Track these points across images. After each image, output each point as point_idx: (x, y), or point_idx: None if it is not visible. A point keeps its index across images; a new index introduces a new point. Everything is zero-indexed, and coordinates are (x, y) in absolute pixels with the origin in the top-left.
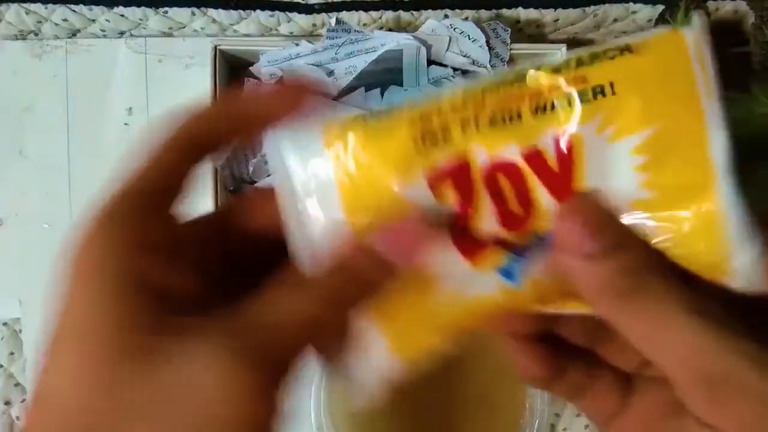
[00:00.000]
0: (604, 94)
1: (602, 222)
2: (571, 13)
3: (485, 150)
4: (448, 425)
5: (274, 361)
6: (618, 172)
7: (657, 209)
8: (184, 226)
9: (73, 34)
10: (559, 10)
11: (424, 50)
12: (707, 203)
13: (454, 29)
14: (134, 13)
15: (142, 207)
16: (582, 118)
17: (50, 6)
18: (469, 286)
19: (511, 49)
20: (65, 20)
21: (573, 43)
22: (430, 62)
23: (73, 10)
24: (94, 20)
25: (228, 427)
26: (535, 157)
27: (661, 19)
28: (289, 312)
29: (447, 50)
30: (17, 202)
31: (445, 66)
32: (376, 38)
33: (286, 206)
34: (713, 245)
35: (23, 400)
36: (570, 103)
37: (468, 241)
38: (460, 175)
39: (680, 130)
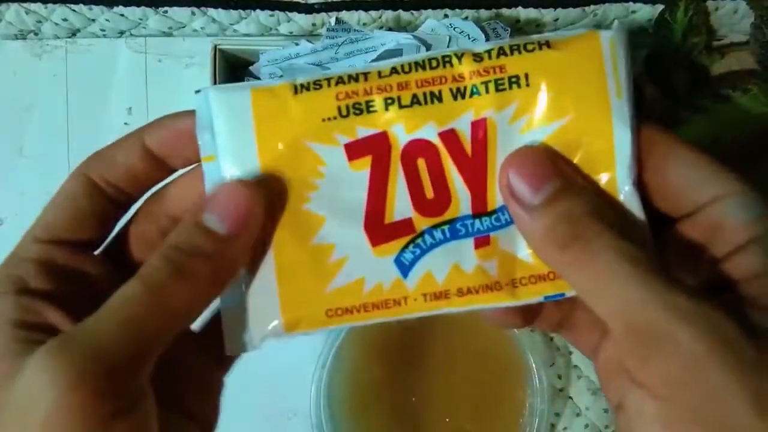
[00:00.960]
0: (519, 85)
1: (544, 172)
2: (571, 12)
3: (404, 127)
4: (449, 426)
5: (103, 372)
6: None
7: None
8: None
9: (73, 33)
10: (559, 10)
11: (423, 50)
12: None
13: (454, 29)
14: (134, 12)
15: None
16: (497, 105)
17: (50, 6)
18: (367, 271)
19: None
20: (65, 20)
21: None
22: None
23: (73, 10)
24: (93, 20)
25: None
26: (451, 139)
27: (661, 19)
28: (112, 318)
29: (446, 50)
30: (17, 202)
31: None
32: (375, 38)
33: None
34: None
35: None
36: (487, 90)
37: (376, 224)
38: (378, 149)
39: (588, 125)
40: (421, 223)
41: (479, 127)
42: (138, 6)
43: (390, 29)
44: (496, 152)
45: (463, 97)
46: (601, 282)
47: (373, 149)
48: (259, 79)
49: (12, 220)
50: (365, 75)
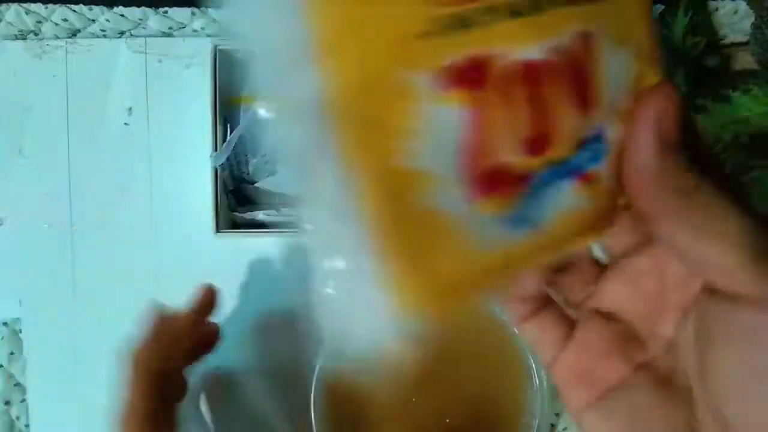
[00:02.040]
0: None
1: (675, 121)
2: None
3: (508, 47)
4: (448, 426)
5: None
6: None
7: None
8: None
9: (73, 34)
10: None
11: None
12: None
13: None
14: (134, 13)
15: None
16: (597, 17)
17: (50, 6)
18: (475, 232)
19: None
20: (65, 20)
21: None
22: None
23: (73, 10)
24: (94, 20)
25: None
26: (559, 58)
27: (662, 19)
28: None
29: None
30: (17, 202)
31: None
32: None
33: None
34: None
35: (23, 400)
36: None
37: (478, 173)
38: (476, 76)
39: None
40: (529, 164)
41: (585, 41)
42: (138, 6)
43: None
44: (603, 70)
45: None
46: (721, 220)
47: (470, 77)
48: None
49: (12, 219)
50: None
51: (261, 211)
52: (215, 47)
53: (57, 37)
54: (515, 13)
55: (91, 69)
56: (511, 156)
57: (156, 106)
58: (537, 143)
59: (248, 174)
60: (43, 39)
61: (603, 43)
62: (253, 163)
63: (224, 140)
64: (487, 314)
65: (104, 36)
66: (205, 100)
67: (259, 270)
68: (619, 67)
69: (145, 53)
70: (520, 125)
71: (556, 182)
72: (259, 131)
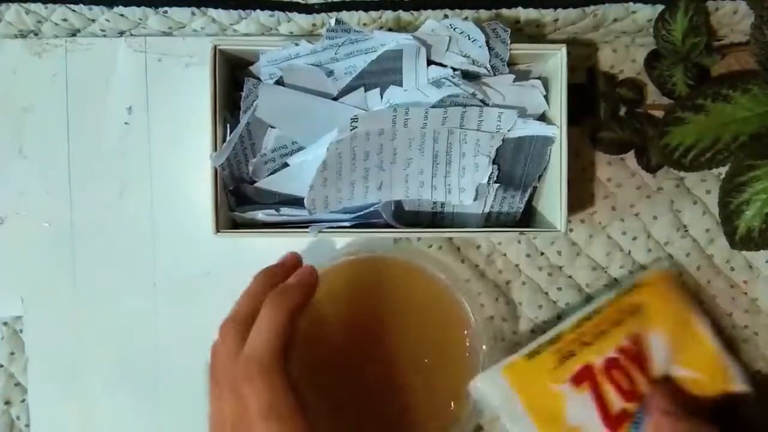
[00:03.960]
0: (640, 312)
1: (673, 395)
2: (571, 13)
3: (597, 355)
4: (399, 383)
5: None
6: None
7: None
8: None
9: (73, 34)
10: (559, 10)
11: (423, 50)
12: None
13: (454, 29)
14: (134, 12)
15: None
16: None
17: (50, 6)
18: None
19: (510, 49)
20: (65, 20)
21: (573, 42)
22: (430, 62)
23: (73, 10)
24: (93, 20)
25: None
26: (627, 351)
27: (662, 19)
28: None
29: (447, 50)
30: (17, 201)
31: (445, 66)
32: (375, 38)
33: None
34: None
35: (23, 400)
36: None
37: (607, 417)
38: (587, 374)
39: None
40: (631, 407)
41: (636, 342)
42: (138, 6)
43: (390, 29)
44: (651, 350)
45: (619, 325)
46: None
47: (586, 376)
48: (258, 79)
49: (12, 219)
50: (559, 336)
51: (261, 211)
52: (215, 47)
53: (57, 37)
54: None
55: (90, 68)
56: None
57: (156, 105)
58: (630, 395)
59: (248, 174)
60: (42, 38)
61: (649, 337)
62: (253, 162)
63: (224, 140)
64: (428, 278)
65: (104, 35)
66: (205, 100)
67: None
68: (663, 353)
69: (145, 52)
70: (620, 392)
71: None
72: (259, 131)
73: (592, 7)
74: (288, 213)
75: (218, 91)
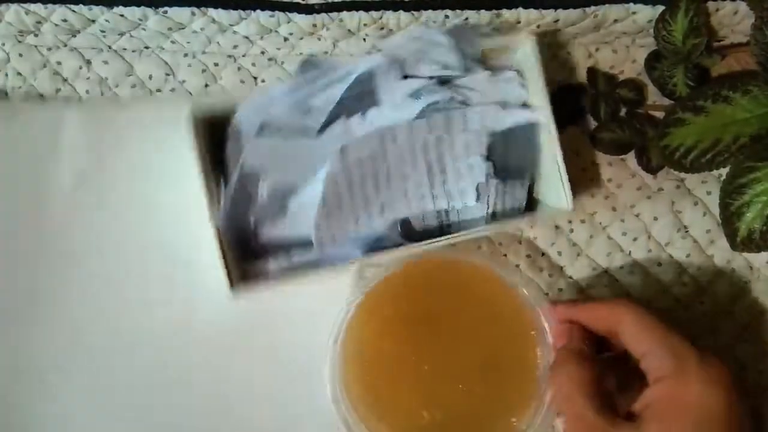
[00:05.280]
0: None
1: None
2: (572, 13)
3: None
4: (461, 391)
5: None
6: None
7: None
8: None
9: (73, 35)
10: (560, 11)
11: (396, 65)
12: None
13: (421, 39)
14: (133, 12)
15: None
16: None
17: (50, 6)
18: None
19: (481, 47)
20: (65, 20)
21: (572, 43)
22: (406, 76)
23: (73, 10)
24: (93, 20)
25: None
26: None
27: (662, 20)
28: None
29: (419, 61)
30: None
31: (420, 77)
32: (346, 65)
33: None
34: None
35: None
36: None
37: None
38: None
39: None
40: None
41: None
42: (138, 6)
43: (390, 30)
44: None
45: None
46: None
47: None
48: (241, 134)
49: None
50: None
51: (272, 259)
52: (192, 115)
53: (57, 37)
54: None
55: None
56: None
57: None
58: None
59: (251, 227)
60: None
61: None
62: (254, 213)
63: (218, 200)
64: (495, 279)
65: (104, 36)
66: (186, 162)
67: (281, 325)
68: None
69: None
70: None
71: None
72: (251, 183)
73: (593, 8)
74: (298, 256)
75: (201, 154)
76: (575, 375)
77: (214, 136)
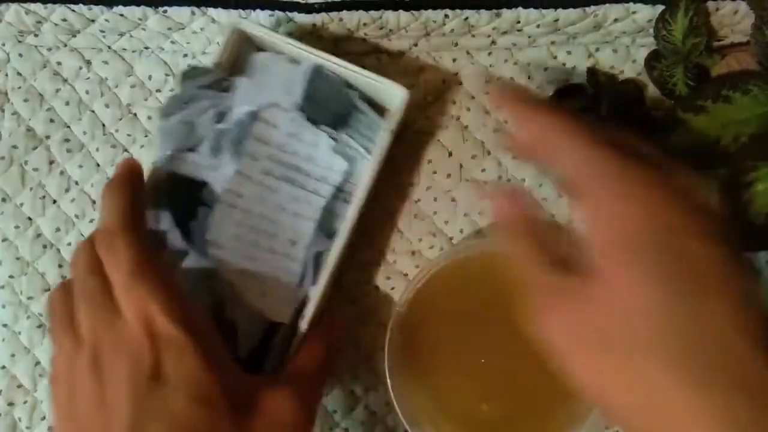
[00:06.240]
0: None
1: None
2: (572, 13)
3: None
4: (516, 385)
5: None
6: None
7: None
8: None
9: (73, 35)
10: (560, 10)
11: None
12: None
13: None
14: (133, 12)
15: None
16: None
17: (50, 6)
18: None
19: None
20: (64, 20)
21: (572, 42)
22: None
23: (73, 10)
24: (93, 20)
25: None
26: None
27: (662, 20)
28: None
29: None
30: None
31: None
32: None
33: None
34: None
35: (26, 402)
36: None
37: None
38: None
39: None
40: None
41: None
42: (138, 6)
43: (390, 30)
44: None
45: None
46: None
47: None
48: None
49: None
50: None
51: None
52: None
53: (56, 37)
54: None
55: None
56: None
57: None
58: None
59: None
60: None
61: None
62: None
63: None
64: None
65: (104, 37)
66: None
67: None
68: None
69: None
70: None
71: None
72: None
73: (593, 8)
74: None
75: None
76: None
77: None
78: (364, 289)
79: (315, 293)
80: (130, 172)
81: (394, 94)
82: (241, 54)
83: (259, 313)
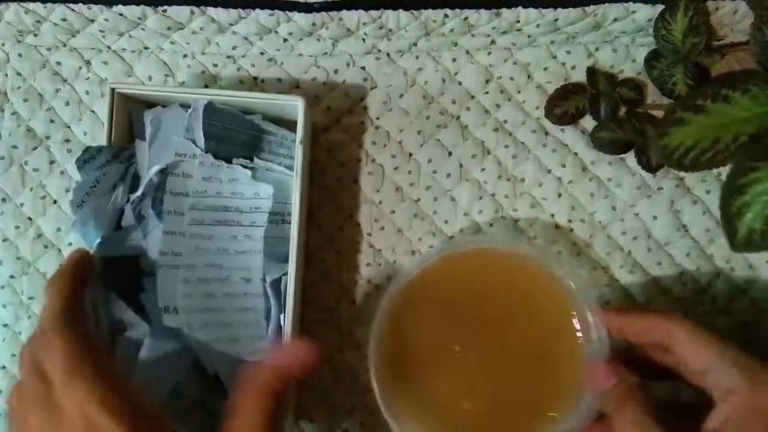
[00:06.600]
0: None
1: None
2: (571, 13)
3: None
4: (506, 385)
5: None
6: None
7: None
8: None
9: (73, 34)
10: (559, 10)
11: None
12: None
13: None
14: (133, 12)
15: None
16: None
17: (49, 5)
18: None
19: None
20: (64, 20)
21: (571, 42)
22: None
23: (72, 9)
24: (93, 20)
25: None
26: None
27: (661, 19)
28: None
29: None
30: None
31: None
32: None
33: None
34: None
35: None
36: None
37: None
38: None
39: None
40: None
41: None
42: (137, 5)
43: (390, 30)
44: None
45: None
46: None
47: None
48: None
49: None
50: None
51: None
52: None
53: (56, 37)
54: None
55: None
56: None
57: None
58: None
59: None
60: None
61: None
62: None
63: None
64: (539, 270)
65: (103, 37)
66: None
67: None
68: None
69: None
70: None
71: None
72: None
73: (593, 7)
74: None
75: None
76: (645, 406)
77: None
78: (365, 289)
79: (287, 319)
80: (74, 265)
81: (294, 106)
82: (131, 112)
83: (237, 359)
